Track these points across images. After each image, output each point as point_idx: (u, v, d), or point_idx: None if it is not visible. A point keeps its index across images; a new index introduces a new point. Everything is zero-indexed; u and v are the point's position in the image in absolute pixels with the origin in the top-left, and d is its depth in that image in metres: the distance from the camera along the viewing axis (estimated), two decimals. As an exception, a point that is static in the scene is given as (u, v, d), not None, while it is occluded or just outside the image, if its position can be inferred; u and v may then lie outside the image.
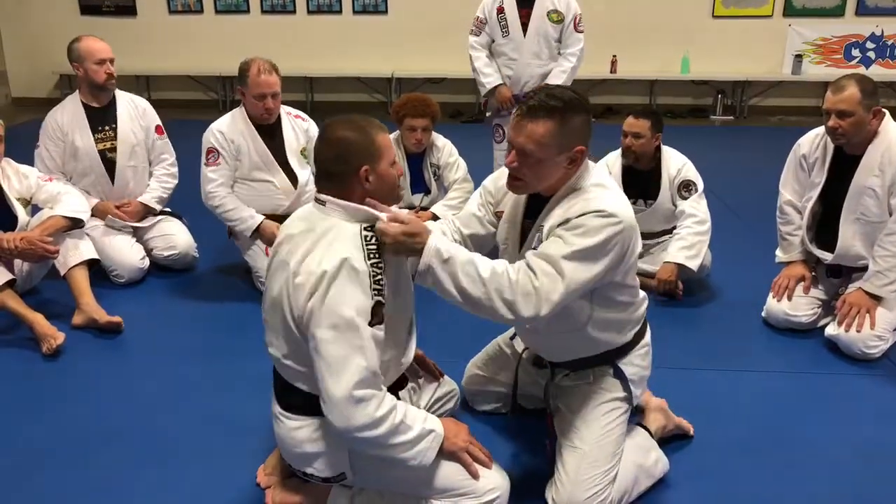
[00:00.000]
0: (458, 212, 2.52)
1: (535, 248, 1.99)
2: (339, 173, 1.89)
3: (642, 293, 2.21)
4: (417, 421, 1.88)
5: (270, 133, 3.63)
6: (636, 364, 2.21)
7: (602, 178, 2.05)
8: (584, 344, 2.13)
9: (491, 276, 1.84)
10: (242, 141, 3.56)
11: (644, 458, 2.21)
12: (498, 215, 2.25)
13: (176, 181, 4.06)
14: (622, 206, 1.96)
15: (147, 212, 3.92)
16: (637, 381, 2.22)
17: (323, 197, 1.91)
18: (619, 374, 2.18)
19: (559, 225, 1.92)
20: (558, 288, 1.84)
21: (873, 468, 2.36)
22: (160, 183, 3.98)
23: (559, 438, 2.18)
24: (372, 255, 1.81)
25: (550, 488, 2.10)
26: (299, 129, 3.73)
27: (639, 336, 2.22)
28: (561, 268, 1.85)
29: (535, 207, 2.09)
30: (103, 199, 3.84)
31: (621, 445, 2.14)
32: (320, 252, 1.81)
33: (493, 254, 2.13)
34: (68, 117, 3.77)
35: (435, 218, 3.58)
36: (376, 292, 1.80)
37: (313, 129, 3.78)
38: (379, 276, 1.81)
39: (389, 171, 1.93)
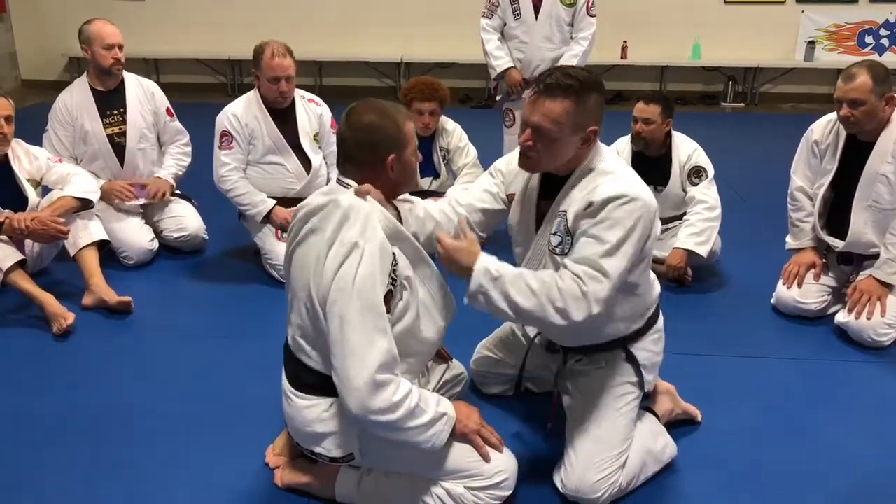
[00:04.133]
0: None
1: (556, 232, 2.01)
2: (365, 160, 1.90)
3: (653, 275, 2.22)
4: (431, 404, 1.88)
5: (284, 117, 3.62)
6: (649, 349, 2.21)
7: (615, 160, 2.05)
8: (599, 330, 2.13)
9: (541, 288, 1.87)
10: (256, 125, 3.55)
11: (652, 443, 2.21)
12: (509, 197, 2.25)
13: (189, 159, 4.08)
14: (641, 188, 1.97)
15: (171, 187, 3.93)
16: (649, 366, 2.22)
17: (348, 181, 1.91)
18: (632, 359, 2.18)
19: (585, 210, 1.93)
20: (604, 286, 1.88)
21: (882, 456, 2.35)
22: (175, 160, 4.00)
23: (569, 422, 2.18)
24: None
25: (559, 471, 2.11)
26: (313, 114, 3.71)
27: (651, 321, 2.22)
28: (602, 267, 1.88)
29: (551, 188, 2.09)
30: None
31: (632, 430, 2.15)
32: (357, 226, 1.80)
33: (503, 240, 2.12)
34: (77, 101, 3.77)
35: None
36: (391, 281, 1.83)
37: (327, 114, 3.78)
38: (395, 268, 1.83)
39: (412, 159, 1.96)
